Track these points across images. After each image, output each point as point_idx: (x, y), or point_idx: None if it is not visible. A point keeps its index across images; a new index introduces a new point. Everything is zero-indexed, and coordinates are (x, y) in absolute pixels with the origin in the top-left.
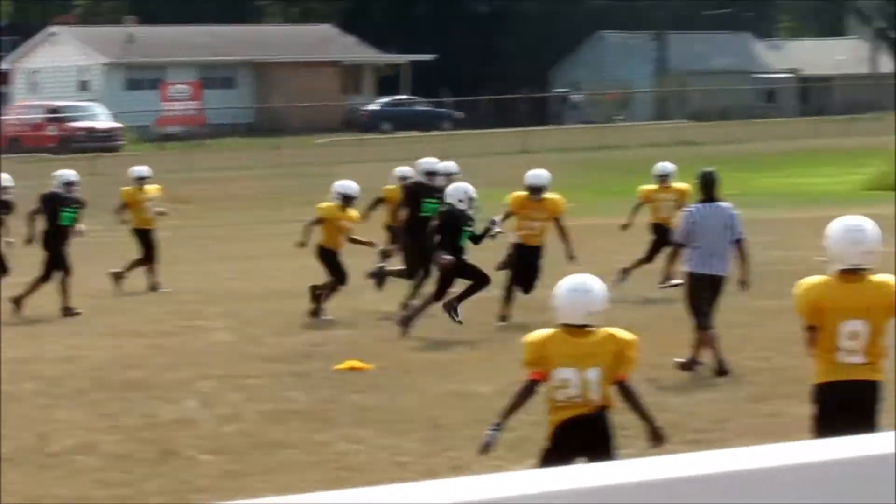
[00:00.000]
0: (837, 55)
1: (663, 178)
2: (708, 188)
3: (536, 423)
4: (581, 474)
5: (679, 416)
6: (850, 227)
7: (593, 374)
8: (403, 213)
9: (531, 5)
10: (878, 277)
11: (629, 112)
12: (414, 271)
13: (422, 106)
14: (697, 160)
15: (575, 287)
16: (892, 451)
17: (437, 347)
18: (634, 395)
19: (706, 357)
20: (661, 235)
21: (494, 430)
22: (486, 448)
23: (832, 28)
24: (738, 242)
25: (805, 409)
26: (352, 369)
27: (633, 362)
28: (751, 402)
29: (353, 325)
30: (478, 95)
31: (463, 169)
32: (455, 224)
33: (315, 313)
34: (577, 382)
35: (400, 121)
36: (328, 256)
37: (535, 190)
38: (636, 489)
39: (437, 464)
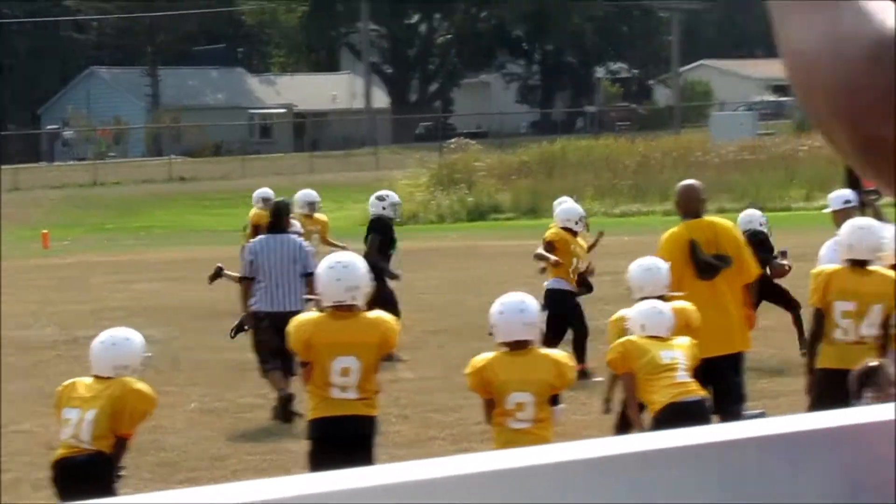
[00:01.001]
0: (332, 90)
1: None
2: (276, 218)
3: (31, 463)
4: None
5: (176, 454)
6: (334, 264)
7: (90, 415)
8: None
9: (22, 39)
10: (370, 314)
11: (123, 148)
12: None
13: None
14: (193, 197)
15: (106, 339)
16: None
17: None
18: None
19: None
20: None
21: None
22: None
23: (327, 63)
24: (307, 276)
25: (304, 445)
26: None
27: (142, 416)
28: (249, 439)
29: None
30: None
31: None
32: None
33: None
34: (76, 422)
35: None
36: None
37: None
38: None
39: None
